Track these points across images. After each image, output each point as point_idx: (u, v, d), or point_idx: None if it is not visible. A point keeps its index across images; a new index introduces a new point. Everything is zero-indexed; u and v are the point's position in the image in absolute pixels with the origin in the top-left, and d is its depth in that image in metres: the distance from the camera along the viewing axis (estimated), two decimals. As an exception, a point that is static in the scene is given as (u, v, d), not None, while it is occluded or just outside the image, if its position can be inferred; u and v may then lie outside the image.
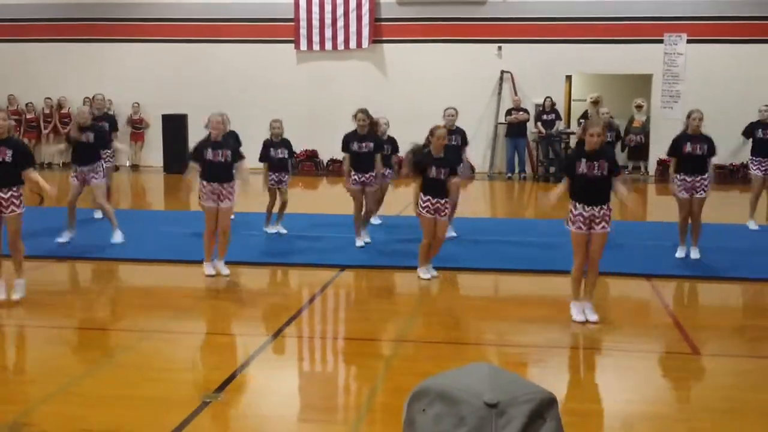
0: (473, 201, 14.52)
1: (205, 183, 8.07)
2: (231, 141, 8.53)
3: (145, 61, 18.22)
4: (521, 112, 16.77)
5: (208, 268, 8.12)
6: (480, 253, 9.22)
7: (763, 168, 10.64)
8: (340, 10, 17.62)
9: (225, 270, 8.14)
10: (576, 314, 6.61)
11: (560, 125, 16.96)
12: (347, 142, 9.36)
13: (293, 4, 17.75)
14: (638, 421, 4.94)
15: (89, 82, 18.34)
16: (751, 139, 10.81)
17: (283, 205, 10.10)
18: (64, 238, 9.39)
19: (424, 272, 8.01)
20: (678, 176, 8.80)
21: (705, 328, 6.51)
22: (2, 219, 6.94)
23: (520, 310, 7.34)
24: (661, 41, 16.90)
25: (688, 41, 16.81)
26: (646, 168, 17.47)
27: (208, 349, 6.26)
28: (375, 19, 17.58)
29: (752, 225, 10.66)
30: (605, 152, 6.67)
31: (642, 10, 16.85)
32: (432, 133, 7.81)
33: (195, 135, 17.86)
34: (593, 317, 6.55)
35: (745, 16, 16.60)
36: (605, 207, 6.48)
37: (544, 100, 16.80)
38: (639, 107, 17.42)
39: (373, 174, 9.30)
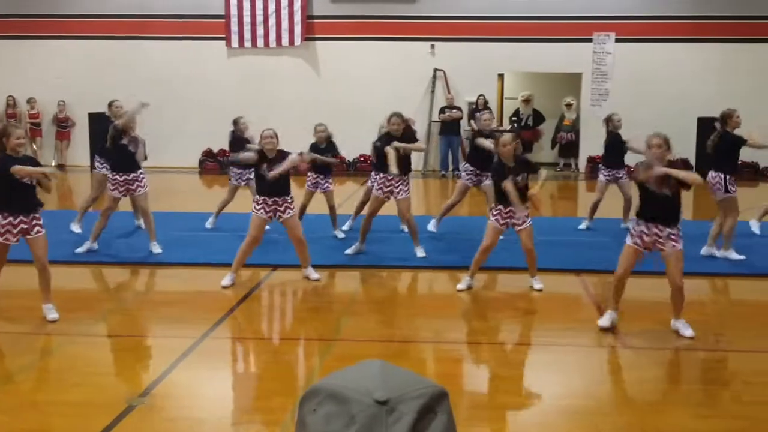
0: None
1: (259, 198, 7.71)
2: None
3: (71, 59, 17.76)
4: (454, 110, 16.89)
5: (227, 279, 7.77)
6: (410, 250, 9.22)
7: None
8: (271, 7, 17.47)
9: (315, 275, 7.95)
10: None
11: (493, 123, 17.10)
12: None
13: (224, 0, 17.53)
14: (564, 416, 5.01)
15: (11, 80, 17.83)
16: None
17: (333, 209, 9.80)
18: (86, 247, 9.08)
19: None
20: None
21: (632, 322, 6.64)
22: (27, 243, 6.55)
23: (451, 308, 7.38)
24: (590, 40, 17.23)
25: (616, 40, 17.17)
26: (576, 165, 17.79)
27: (134, 352, 6.12)
28: (307, 17, 17.49)
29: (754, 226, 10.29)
30: (675, 166, 6.24)
31: (571, 10, 17.14)
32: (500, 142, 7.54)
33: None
34: (688, 332, 6.29)
35: (671, 15, 17.03)
36: (672, 230, 6.10)
37: (477, 98, 16.94)
38: (569, 105, 17.74)
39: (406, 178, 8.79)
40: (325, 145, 9.57)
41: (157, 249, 9.00)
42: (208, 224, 10.40)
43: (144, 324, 6.81)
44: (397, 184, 8.68)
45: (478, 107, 17.01)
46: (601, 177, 10.45)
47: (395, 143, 8.56)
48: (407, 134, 8.90)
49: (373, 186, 9.03)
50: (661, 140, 6.13)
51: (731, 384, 5.46)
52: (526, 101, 18.12)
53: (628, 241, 6.32)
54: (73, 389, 5.21)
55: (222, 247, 9.09)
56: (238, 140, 10.32)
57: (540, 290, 7.61)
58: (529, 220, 7.48)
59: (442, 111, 16.99)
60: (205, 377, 5.62)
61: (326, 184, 9.72)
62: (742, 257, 8.75)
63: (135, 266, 8.70)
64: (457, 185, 10.30)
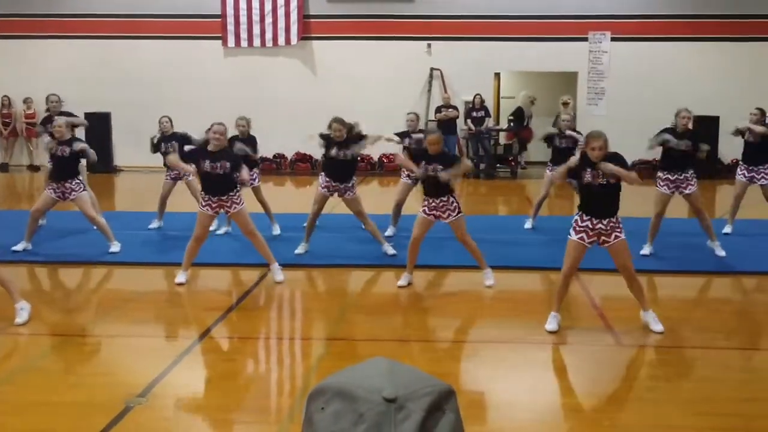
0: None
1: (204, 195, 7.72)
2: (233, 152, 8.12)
3: (67, 59, 17.73)
4: (451, 109, 16.88)
5: (181, 276, 7.80)
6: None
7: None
8: (268, 7, 17.47)
9: (279, 276, 7.89)
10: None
11: (489, 122, 17.16)
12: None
13: (220, 0, 17.53)
14: (562, 414, 5.02)
15: (6, 80, 17.81)
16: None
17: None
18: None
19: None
20: (662, 174, 8.69)
21: (628, 320, 6.65)
22: None
23: (447, 307, 7.38)
24: (585, 39, 17.25)
25: (612, 39, 17.19)
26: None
27: (131, 353, 6.11)
28: (303, 16, 17.49)
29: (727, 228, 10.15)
30: (613, 160, 6.19)
31: (567, 9, 17.16)
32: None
33: (119, 133, 17.60)
34: (658, 327, 6.33)
35: (667, 14, 17.06)
36: (613, 219, 6.20)
37: (474, 98, 16.95)
38: (565, 104, 17.73)
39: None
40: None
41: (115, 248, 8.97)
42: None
43: (141, 324, 6.80)
44: (341, 186, 8.79)
45: (474, 106, 17.04)
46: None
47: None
48: (350, 138, 8.92)
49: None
50: (603, 142, 6.15)
51: (726, 381, 5.47)
52: (532, 102, 18.18)
53: (573, 236, 6.35)
54: (70, 390, 5.20)
55: (221, 247, 9.09)
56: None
57: (490, 287, 7.64)
58: (456, 213, 7.44)
59: (438, 110, 16.98)
60: (204, 377, 5.62)
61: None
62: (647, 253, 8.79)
63: (131, 266, 8.68)
64: None
